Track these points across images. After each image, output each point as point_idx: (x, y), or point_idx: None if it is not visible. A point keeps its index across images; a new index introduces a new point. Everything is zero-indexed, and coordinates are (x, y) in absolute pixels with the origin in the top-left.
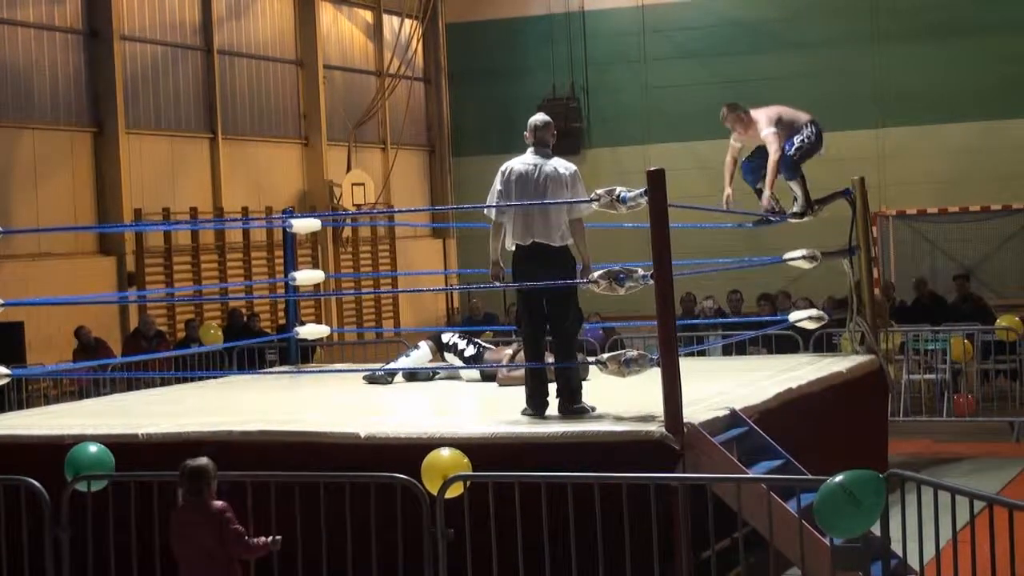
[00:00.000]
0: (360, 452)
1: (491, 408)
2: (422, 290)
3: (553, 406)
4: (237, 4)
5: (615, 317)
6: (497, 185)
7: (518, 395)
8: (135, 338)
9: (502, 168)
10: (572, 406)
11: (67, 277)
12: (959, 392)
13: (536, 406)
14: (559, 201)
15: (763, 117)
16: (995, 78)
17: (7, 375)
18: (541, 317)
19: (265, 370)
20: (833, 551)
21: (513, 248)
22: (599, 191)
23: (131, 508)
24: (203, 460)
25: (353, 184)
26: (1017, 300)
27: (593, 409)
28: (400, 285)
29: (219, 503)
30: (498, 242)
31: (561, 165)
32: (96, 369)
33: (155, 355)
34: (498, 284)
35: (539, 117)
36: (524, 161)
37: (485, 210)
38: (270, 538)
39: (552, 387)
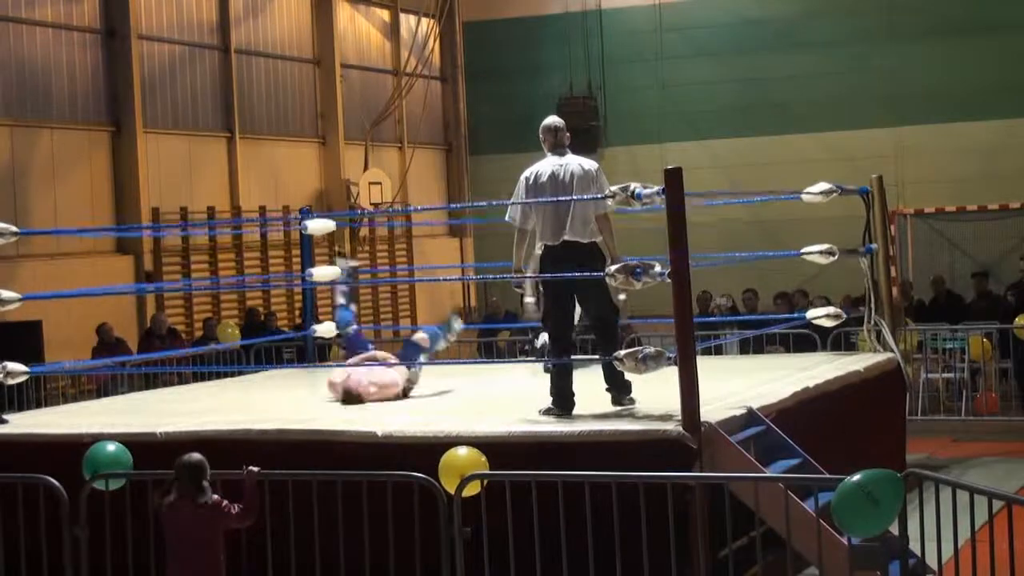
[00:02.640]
0: (377, 451)
1: (510, 407)
2: (438, 279)
3: (580, 407)
4: (254, 3)
5: (631, 314)
6: (521, 192)
7: (539, 393)
8: (148, 337)
9: (525, 175)
10: (624, 397)
11: (85, 276)
12: (978, 391)
13: (561, 406)
14: (584, 197)
15: None
16: (1014, 76)
17: (25, 373)
18: (569, 315)
19: (283, 366)
20: (851, 550)
21: (541, 250)
22: (614, 188)
23: (149, 507)
24: (197, 456)
25: (370, 183)
26: None
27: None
28: (417, 285)
29: (215, 496)
30: (522, 250)
31: (585, 162)
32: (113, 367)
33: (173, 352)
34: (521, 280)
35: (553, 120)
36: (548, 163)
37: (507, 218)
38: (246, 470)
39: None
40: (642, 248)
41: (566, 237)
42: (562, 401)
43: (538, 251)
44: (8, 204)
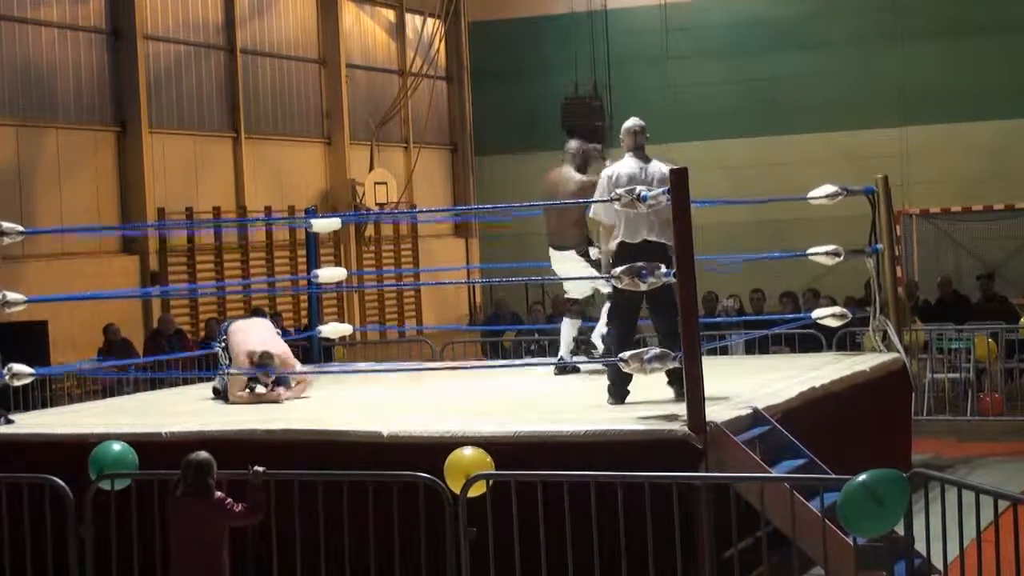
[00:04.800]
0: (383, 451)
1: (515, 407)
2: (443, 282)
3: (583, 408)
4: (260, 3)
5: None
6: (605, 190)
7: (544, 394)
8: (155, 338)
9: (607, 173)
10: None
11: (91, 276)
12: (983, 391)
13: (617, 395)
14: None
15: None
16: (1020, 76)
17: (31, 374)
18: (635, 312)
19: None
20: (857, 550)
21: (615, 247)
22: (619, 190)
23: (154, 506)
24: (204, 454)
25: (376, 183)
26: None
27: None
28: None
29: (219, 494)
30: (609, 245)
31: (665, 167)
32: (119, 368)
33: (178, 355)
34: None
35: (635, 122)
36: (629, 165)
37: (591, 214)
38: (251, 470)
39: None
40: None
41: (646, 236)
42: (616, 391)
43: (612, 246)
44: (14, 204)
